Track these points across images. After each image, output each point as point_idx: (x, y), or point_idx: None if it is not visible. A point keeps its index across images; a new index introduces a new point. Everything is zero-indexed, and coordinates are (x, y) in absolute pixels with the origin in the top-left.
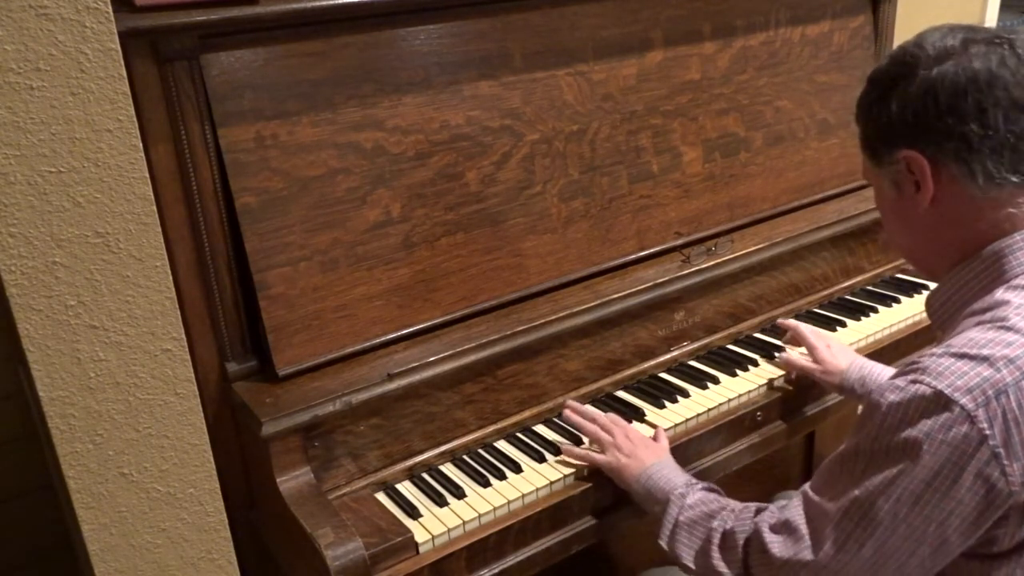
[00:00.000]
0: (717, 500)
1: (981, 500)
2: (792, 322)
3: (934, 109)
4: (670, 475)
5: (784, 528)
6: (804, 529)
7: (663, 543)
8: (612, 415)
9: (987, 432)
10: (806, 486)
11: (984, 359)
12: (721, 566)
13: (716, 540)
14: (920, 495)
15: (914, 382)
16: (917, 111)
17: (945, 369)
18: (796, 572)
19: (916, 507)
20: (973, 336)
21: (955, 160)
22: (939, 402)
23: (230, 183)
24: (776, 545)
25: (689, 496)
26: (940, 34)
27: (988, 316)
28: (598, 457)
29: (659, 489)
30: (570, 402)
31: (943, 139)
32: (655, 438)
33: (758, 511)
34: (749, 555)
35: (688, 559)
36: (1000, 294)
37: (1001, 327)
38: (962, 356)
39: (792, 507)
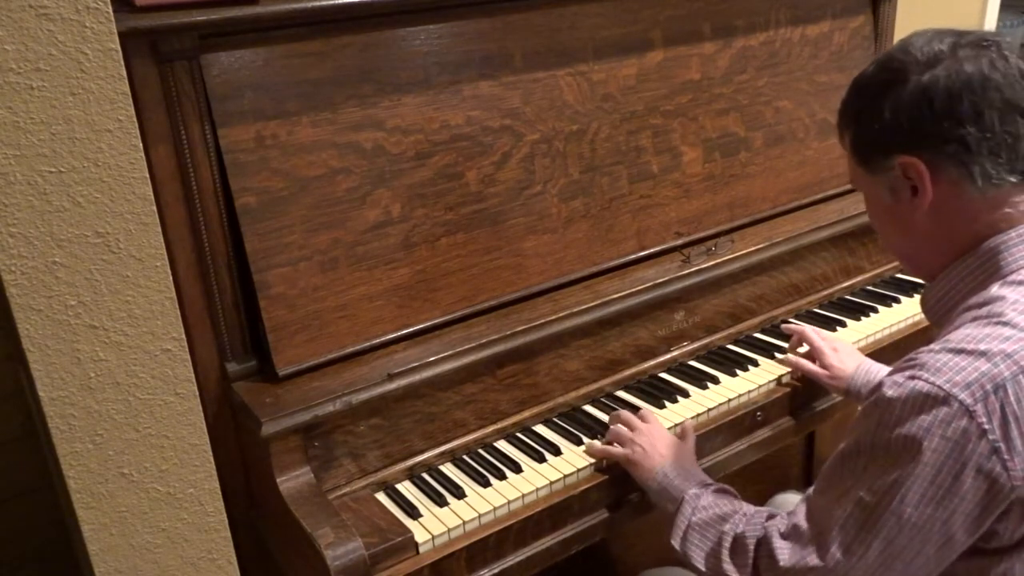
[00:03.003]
0: (730, 503)
1: (984, 495)
2: (798, 327)
3: (929, 114)
4: (685, 475)
5: (792, 534)
6: (810, 534)
7: (675, 543)
8: (643, 411)
9: (986, 427)
10: (810, 490)
11: (982, 354)
12: (731, 570)
13: (727, 544)
14: (924, 494)
15: (912, 378)
16: (912, 116)
17: (943, 365)
18: None
19: (920, 507)
20: (970, 332)
21: (954, 163)
22: (937, 398)
23: (230, 183)
24: (784, 551)
25: (703, 497)
26: (926, 39)
27: (984, 311)
28: (615, 450)
29: (674, 487)
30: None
31: (941, 143)
32: (682, 434)
33: (770, 516)
34: (759, 559)
35: (699, 561)
36: (996, 290)
37: (998, 322)
38: (959, 351)
39: (799, 512)
